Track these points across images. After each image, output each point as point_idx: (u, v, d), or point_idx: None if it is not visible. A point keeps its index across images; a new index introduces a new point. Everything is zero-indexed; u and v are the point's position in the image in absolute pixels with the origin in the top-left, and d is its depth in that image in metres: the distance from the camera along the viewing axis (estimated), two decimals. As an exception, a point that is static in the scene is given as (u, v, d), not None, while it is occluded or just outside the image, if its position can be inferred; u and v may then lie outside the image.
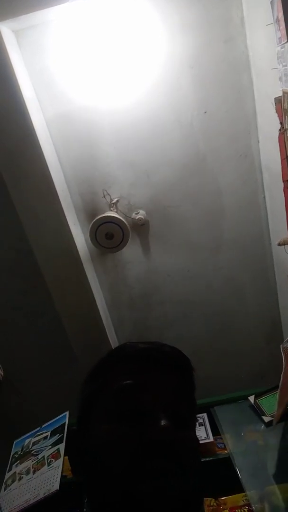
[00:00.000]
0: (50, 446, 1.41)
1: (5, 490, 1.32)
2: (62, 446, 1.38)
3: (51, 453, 1.37)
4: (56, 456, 1.35)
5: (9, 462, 1.46)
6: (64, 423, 1.48)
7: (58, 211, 1.65)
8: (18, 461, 1.43)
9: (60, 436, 1.43)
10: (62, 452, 1.35)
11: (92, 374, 0.66)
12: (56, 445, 1.40)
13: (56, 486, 1.22)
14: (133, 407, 0.55)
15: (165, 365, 0.62)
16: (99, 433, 0.56)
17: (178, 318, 2.07)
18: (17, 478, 1.34)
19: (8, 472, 1.40)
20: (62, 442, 1.40)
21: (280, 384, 1.29)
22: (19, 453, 1.48)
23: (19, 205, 1.65)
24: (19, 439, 1.56)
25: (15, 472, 1.38)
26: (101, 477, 0.53)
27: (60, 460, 1.32)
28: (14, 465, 1.42)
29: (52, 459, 1.34)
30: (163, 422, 0.53)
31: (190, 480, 0.52)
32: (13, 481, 1.34)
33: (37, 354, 2.05)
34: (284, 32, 1.12)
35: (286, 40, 1.13)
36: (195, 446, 0.59)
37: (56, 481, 1.24)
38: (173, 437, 0.52)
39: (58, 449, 1.37)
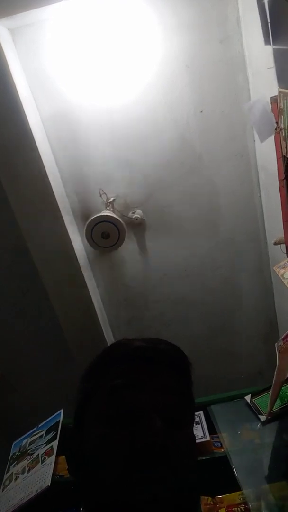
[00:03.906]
0: (45, 444, 1.41)
1: (2, 491, 1.32)
2: (55, 443, 1.37)
3: (45, 451, 1.37)
4: (49, 453, 1.35)
5: (8, 463, 1.46)
6: (59, 421, 1.48)
7: (55, 210, 1.65)
8: (16, 462, 1.43)
9: (54, 433, 1.43)
10: (55, 449, 1.35)
11: (86, 374, 0.65)
12: (50, 442, 1.40)
13: (47, 482, 1.22)
14: (125, 408, 0.54)
15: (160, 364, 0.61)
16: (92, 437, 0.55)
17: (175, 318, 2.08)
18: (14, 478, 1.34)
19: (6, 473, 1.40)
20: (55, 439, 1.39)
21: (273, 381, 1.29)
22: (17, 453, 1.48)
23: (15, 205, 1.64)
24: (17, 440, 1.56)
25: (12, 473, 1.38)
26: (94, 483, 0.52)
27: (53, 457, 1.32)
28: (11, 466, 1.42)
29: (46, 456, 1.34)
30: (156, 425, 0.52)
31: (184, 482, 0.52)
32: (10, 482, 1.34)
33: (34, 353, 2.05)
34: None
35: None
36: (191, 446, 0.59)
37: (47, 477, 1.24)
38: (166, 441, 0.51)
39: (51, 446, 1.37)
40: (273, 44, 1.16)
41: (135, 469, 0.49)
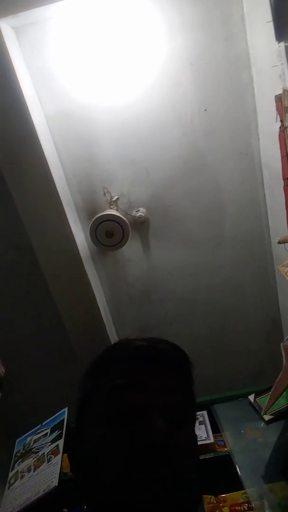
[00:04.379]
0: (50, 443, 1.42)
1: (8, 489, 1.33)
2: (61, 442, 1.38)
3: (50, 450, 1.38)
4: (55, 452, 1.35)
5: (12, 461, 1.46)
6: (63, 419, 1.49)
7: (58, 209, 1.65)
8: (20, 460, 1.43)
9: (59, 432, 1.44)
10: (61, 448, 1.35)
11: (87, 374, 0.65)
12: (56, 441, 1.40)
13: (55, 482, 1.22)
14: (125, 408, 0.54)
15: (160, 363, 0.61)
16: (92, 437, 0.55)
17: (179, 316, 2.08)
18: (19, 476, 1.35)
19: (11, 471, 1.41)
20: (61, 438, 1.40)
21: (277, 379, 1.29)
22: (21, 451, 1.48)
23: (19, 203, 1.65)
24: (21, 437, 1.56)
25: (17, 471, 1.38)
26: (94, 483, 0.52)
27: (59, 456, 1.32)
28: (16, 464, 1.43)
29: (52, 456, 1.35)
30: (156, 424, 0.52)
31: (185, 482, 0.52)
32: (15, 480, 1.35)
33: (38, 352, 2.05)
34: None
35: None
36: (192, 446, 0.58)
37: (55, 477, 1.24)
38: (166, 439, 0.51)
39: (57, 446, 1.38)
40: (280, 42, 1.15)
41: (135, 469, 0.49)
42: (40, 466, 1.34)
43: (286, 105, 1.24)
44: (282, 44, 1.18)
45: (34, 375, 2.08)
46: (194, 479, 0.55)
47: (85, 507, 1.18)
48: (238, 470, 1.21)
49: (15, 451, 1.51)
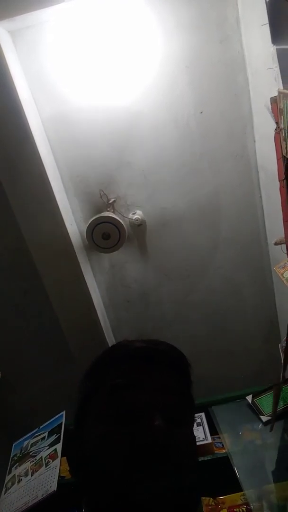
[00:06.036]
0: (48, 447, 1.41)
1: (5, 493, 1.32)
2: (59, 446, 1.37)
3: (48, 454, 1.37)
4: (53, 456, 1.35)
5: (9, 464, 1.45)
6: (61, 423, 1.48)
7: (55, 212, 1.65)
8: (17, 463, 1.43)
9: (57, 436, 1.43)
10: (59, 452, 1.35)
11: (87, 374, 0.65)
12: (53, 445, 1.40)
13: (53, 487, 1.22)
14: (125, 408, 0.55)
15: (160, 364, 0.61)
16: (92, 437, 0.56)
17: (176, 318, 2.08)
18: (17, 480, 1.34)
19: (8, 475, 1.40)
20: (59, 442, 1.39)
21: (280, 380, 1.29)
22: (18, 455, 1.48)
23: (16, 206, 1.65)
24: (18, 441, 1.55)
25: (14, 475, 1.37)
26: (96, 482, 0.52)
27: (58, 461, 1.32)
28: (13, 468, 1.42)
29: (50, 460, 1.34)
30: (156, 423, 0.52)
31: (184, 481, 0.52)
32: (12, 484, 1.34)
33: (35, 354, 2.05)
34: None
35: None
36: (191, 445, 0.59)
37: (53, 481, 1.24)
38: (166, 439, 0.51)
39: (55, 450, 1.37)
40: (275, 44, 1.16)
41: (135, 469, 0.50)
42: (38, 470, 1.33)
43: (281, 107, 1.25)
44: (276, 47, 1.19)
45: (33, 376, 2.08)
46: (194, 478, 0.55)
47: (83, 510, 1.18)
48: (236, 471, 1.20)
49: (12, 455, 1.50)
